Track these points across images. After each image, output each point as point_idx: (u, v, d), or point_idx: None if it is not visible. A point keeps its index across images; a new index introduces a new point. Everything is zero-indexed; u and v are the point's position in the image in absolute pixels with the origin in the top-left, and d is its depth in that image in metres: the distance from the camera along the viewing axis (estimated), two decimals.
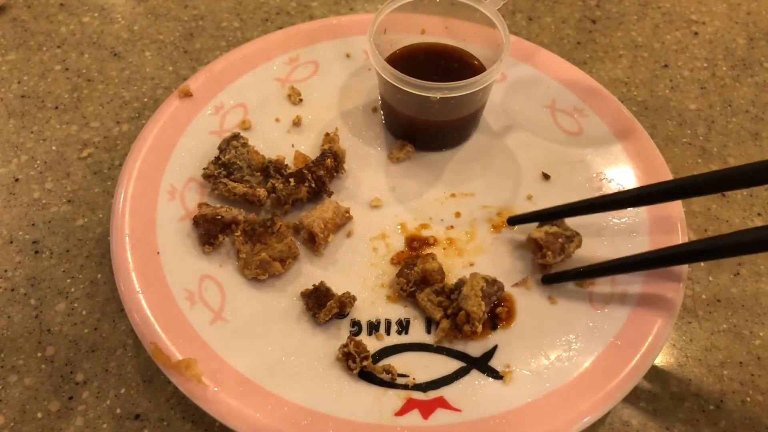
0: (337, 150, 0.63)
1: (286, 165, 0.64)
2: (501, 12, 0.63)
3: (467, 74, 0.59)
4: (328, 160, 0.61)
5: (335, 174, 0.63)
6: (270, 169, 0.62)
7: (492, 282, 0.55)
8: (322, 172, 0.61)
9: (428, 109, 0.61)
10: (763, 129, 0.74)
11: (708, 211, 0.67)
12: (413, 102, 0.62)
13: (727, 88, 0.78)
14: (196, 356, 0.50)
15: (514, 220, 0.61)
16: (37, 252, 0.62)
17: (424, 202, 0.63)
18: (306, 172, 0.61)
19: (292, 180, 0.60)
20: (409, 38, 0.68)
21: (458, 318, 0.53)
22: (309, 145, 0.66)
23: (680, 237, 0.58)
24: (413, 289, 0.56)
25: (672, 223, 0.59)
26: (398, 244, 0.60)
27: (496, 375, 0.52)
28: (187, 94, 0.66)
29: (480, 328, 0.53)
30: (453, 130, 0.66)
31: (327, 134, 0.66)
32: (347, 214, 0.60)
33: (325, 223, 0.58)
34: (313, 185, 0.61)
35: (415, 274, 0.56)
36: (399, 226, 0.61)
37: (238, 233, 0.58)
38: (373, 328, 0.55)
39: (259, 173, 0.63)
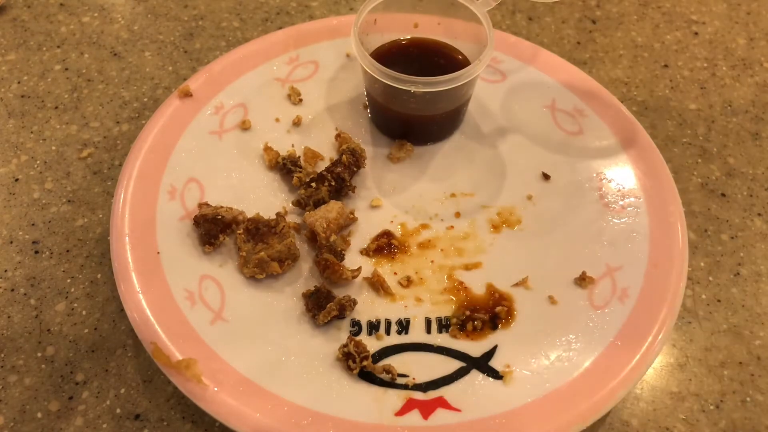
0: (354, 147, 0.63)
1: (299, 157, 0.64)
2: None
3: (451, 70, 0.59)
4: (344, 156, 0.62)
5: (355, 170, 0.63)
6: (287, 164, 0.63)
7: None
8: (339, 169, 0.61)
9: (407, 102, 0.62)
10: (763, 129, 0.74)
11: (708, 211, 0.67)
12: (393, 95, 0.62)
13: (727, 88, 0.78)
14: (196, 356, 0.50)
15: None
16: (37, 252, 0.62)
17: (424, 202, 0.63)
18: (325, 173, 0.61)
19: (313, 184, 0.61)
20: (401, 33, 0.68)
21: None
22: (309, 146, 0.66)
23: (680, 237, 0.58)
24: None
25: (672, 223, 0.59)
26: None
27: (496, 375, 0.52)
28: (187, 94, 0.66)
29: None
30: (435, 125, 0.66)
31: (338, 135, 0.66)
32: (351, 216, 0.60)
33: (328, 223, 0.58)
34: (333, 183, 0.61)
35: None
36: (399, 226, 0.61)
37: (240, 231, 0.58)
38: (373, 328, 0.55)
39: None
